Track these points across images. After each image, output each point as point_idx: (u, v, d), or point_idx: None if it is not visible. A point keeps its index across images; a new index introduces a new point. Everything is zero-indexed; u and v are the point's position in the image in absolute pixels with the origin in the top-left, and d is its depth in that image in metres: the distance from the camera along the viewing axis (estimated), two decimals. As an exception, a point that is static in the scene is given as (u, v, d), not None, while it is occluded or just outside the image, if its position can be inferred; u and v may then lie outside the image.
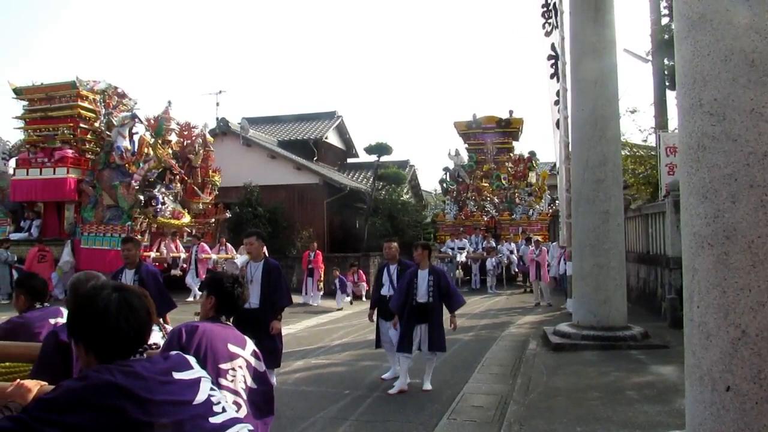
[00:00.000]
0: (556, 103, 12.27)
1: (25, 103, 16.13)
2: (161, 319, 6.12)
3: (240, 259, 6.07)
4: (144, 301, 1.82)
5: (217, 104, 25.25)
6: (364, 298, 17.63)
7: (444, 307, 6.81)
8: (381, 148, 21.67)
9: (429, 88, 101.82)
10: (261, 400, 2.61)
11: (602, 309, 8.40)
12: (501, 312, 14.05)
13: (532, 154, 23.87)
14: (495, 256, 19.48)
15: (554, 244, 16.65)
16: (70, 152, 15.29)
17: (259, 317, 5.78)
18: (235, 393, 2.48)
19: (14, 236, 15.49)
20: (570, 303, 11.50)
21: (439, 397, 6.52)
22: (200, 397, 1.75)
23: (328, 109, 27.98)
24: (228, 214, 18.06)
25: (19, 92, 16.09)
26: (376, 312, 7.33)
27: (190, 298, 15.06)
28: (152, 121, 16.61)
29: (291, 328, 11.72)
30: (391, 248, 7.16)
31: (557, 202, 22.50)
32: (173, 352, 1.89)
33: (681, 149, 3.26)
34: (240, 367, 2.56)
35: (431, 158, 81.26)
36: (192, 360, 1.88)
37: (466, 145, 24.69)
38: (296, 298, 15.52)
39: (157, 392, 1.64)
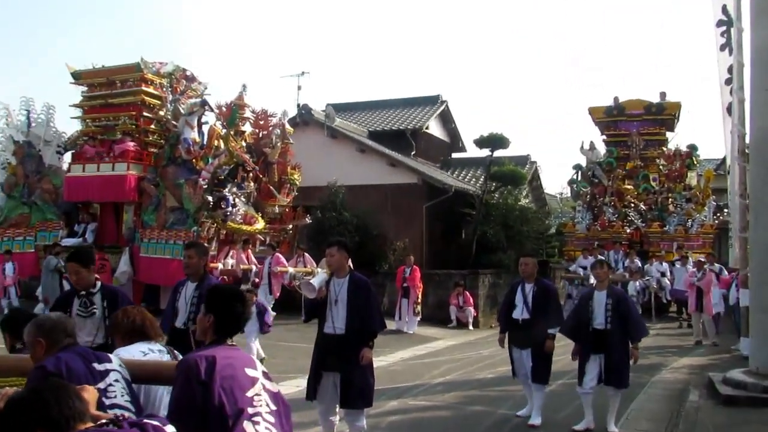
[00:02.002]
0: (728, 82, 11.64)
1: (84, 89, 17.29)
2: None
3: (317, 278, 6.01)
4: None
5: (299, 88, 25.78)
6: (470, 326, 17.52)
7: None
8: (494, 141, 21.53)
9: (556, 65, 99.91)
10: (285, 420, 2.87)
11: (792, 353, 7.88)
12: (649, 351, 13.49)
13: (692, 148, 22.97)
14: (641, 279, 18.77)
15: (716, 266, 15.75)
16: (131, 145, 16.19)
17: (346, 345, 5.83)
18: (265, 418, 2.76)
19: (67, 242, 16.50)
20: (745, 343, 10.95)
21: (571, 458, 6.33)
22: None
23: (429, 93, 28.16)
24: (308, 220, 18.48)
25: (77, 76, 17.26)
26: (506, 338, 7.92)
27: (263, 320, 15.49)
28: (224, 109, 17.27)
29: (382, 360, 11.79)
30: (528, 264, 7.78)
31: (726, 210, 21.42)
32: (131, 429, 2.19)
33: None
34: (261, 389, 2.83)
35: (558, 153, 79.66)
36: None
37: (604, 137, 24.19)
38: (388, 324, 15.74)
39: None
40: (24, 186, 17.70)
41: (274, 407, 2.83)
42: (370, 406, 6.09)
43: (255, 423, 2.70)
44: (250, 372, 2.86)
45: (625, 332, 7.20)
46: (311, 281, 6.00)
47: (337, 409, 6.01)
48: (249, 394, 2.77)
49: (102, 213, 17.23)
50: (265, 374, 2.96)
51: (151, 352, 3.50)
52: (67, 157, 17.83)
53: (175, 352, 3.69)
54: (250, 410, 2.72)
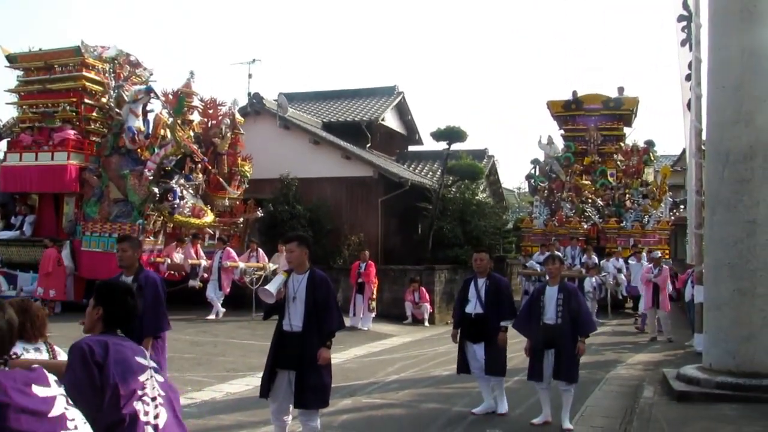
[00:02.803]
0: (688, 78, 11.96)
1: (20, 73, 16.86)
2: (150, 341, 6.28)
3: (274, 283, 5.94)
4: (8, 312, 2.44)
5: (250, 76, 25.49)
6: (426, 323, 17.64)
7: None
8: (452, 134, 21.62)
9: (515, 58, 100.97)
10: (175, 404, 3.14)
11: (744, 349, 8.15)
12: (605, 347, 13.81)
13: (649, 144, 23.38)
14: (597, 276, 19.13)
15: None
16: (72, 133, 15.86)
17: (303, 344, 5.81)
18: (153, 399, 3.00)
19: (3, 234, 16.16)
20: (698, 339, 11.24)
21: (527, 455, 6.45)
22: (55, 411, 2.32)
23: (385, 84, 28.20)
24: (260, 213, 18.37)
25: (13, 59, 16.82)
26: (459, 333, 8.07)
27: (211, 316, 15.40)
28: (171, 97, 17.05)
29: (336, 357, 11.71)
30: (482, 260, 8.04)
31: (683, 207, 21.92)
32: (36, 367, 2.47)
33: None
34: (151, 377, 3.05)
35: (516, 148, 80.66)
36: (51, 378, 2.44)
37: (562, 132, 24.49)
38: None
39: (14, 399, 2.20)
40: (-44, 176, 17.17)
41: (163, 393, 3.06)
42: (326, 406, 6.07)
43: (145, 404, 2.93)
44: (140, 360, 3.09)
45: (575, 327, 7.38)
46: (267, 287, 5.91)
47: (291, 409, 6.00)
48: (140, 378, 2.99)
49: (41, 204, 16.85)
50: (153, 368, 3.15)
51: (26, 351, 3.52)
52: (3, 145, 17.41)
53: (56, 348, 3.68)
54: (140, 392, 2.95)
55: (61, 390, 2.46)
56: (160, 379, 3.13)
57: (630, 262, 18.89)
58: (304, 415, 5.89)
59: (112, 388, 2.85)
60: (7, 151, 16.76)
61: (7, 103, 17.21)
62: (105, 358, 2.91)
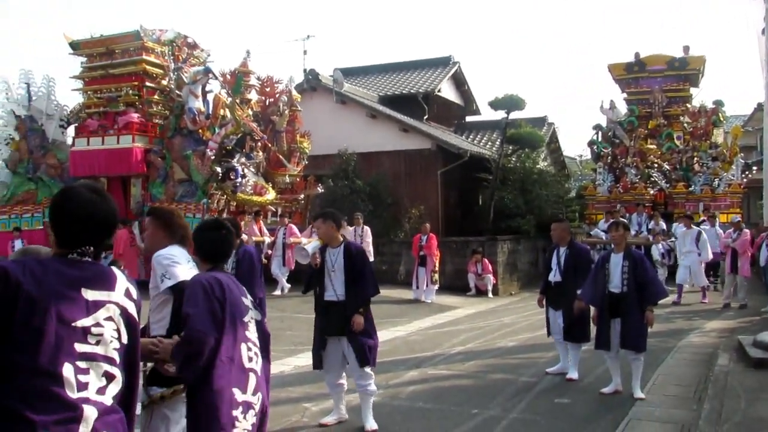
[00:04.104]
0: (765, 32, 11.46)
1: (83, 59, 17.30)
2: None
3: (311, 245, 6.37)
4: (113, 206, 2.41)
5: (305, 53, 25.57)
6: (490, 294, 17.53)
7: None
8: (510, 102, 21.36)
9: (573, 20, 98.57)
10: (262, 347, 3.29)
11: (825, 313, 7.86)
12: (675, 315, 13.52)
13: (718, 104, 22.60)
14: (665, 242, 18.64)
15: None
16: (135, 116, 16.24)
17: (347, 309, 6.16)
18: (255, 344, 3.14)
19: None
20: (775, 305, 10.90)
21: (595, 424, 6.39)
22: (84, 322, 2.18)
23: (440, 55, 27.97)
24: (320, 189, 18.50)
25: (76, 46, 17.26)
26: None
27: (277, 292, 15.63)
28: (228, 77, 17.25)
29: (400, 330, 11.89)
30: (554, 230, 8.41)
31: (755, 168, 21.16)
32: (106, 267, 2.37)
33: None
34: (252, 319, 3.23)
35: (576, 114, 78.94)
36: (122, 284, 2.33)
37: (625, 95, 23.97)
38: (406, 293, 15.84)
39: (46, 295, 2.10)
40: (29, 162, 17.81)
41: (257, 334, 3.22)
42: (373, 365, 6.27)
43: (248, 349, 3.08)
44: (245, 301, 3.26)
45: (642, 295, 7.23)
46: (305, 246, 6.36)
47: (343, 374, 6.35)
48: (245, 319, 3.16)
49: (109, 187, 17.21)
50: (252, 303, 3.31)
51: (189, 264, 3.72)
52: (71, 130, 17.93)
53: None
54: (247, 333, 3.11)
55: (124, 301, 2.32)
56: (258, 318, 3.33)
57: (703, 227, 18.32)
58: (361, 379, 6.16)
59: (227, 326, 3.00)
60: (75, 136, 17.27)
61: (73, 90, 17.72)
62: (223, 296, 3.06)
